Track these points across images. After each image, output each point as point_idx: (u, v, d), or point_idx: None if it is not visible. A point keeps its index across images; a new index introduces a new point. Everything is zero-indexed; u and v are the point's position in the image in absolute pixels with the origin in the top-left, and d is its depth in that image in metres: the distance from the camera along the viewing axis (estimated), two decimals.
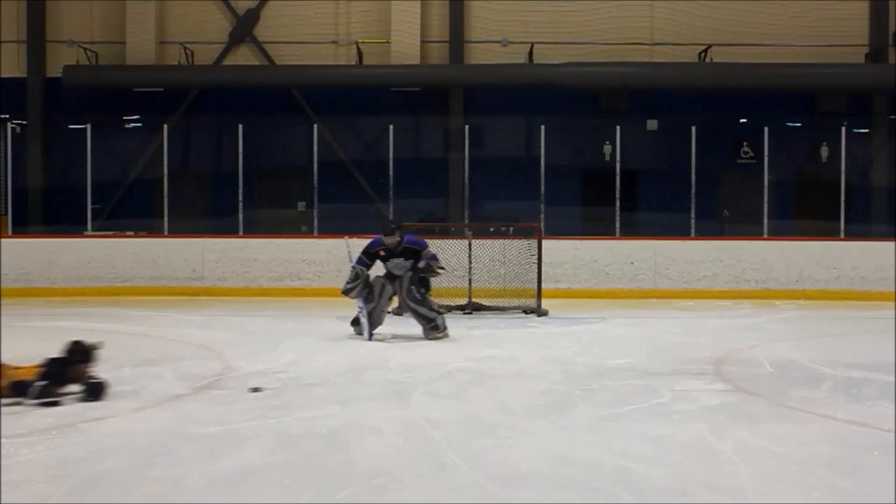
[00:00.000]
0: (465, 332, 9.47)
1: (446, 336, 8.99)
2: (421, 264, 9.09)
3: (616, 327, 10.12)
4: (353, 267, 9.19)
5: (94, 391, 5.95)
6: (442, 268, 9.42)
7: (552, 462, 4.55)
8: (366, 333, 8.87)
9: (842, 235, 14.13)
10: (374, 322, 9.02)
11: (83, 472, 4.38)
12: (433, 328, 8.99)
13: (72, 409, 5.69)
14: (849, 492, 4.20)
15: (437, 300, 10.39)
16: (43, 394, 5.74)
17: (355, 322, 9.19)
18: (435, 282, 11.20)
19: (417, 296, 9.01)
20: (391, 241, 9.05)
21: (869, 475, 4.42)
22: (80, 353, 6.04)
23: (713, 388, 6.57)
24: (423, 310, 9.02)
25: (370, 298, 9.05)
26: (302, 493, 4.07)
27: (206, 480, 4.26)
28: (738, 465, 4.55)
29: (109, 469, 4.46)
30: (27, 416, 5.49)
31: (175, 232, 14.35)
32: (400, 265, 9.12)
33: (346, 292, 9.18)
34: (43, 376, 5.82)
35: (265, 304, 12.32)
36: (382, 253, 9.15)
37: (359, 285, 9.06)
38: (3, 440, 4.85)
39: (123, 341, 8.90)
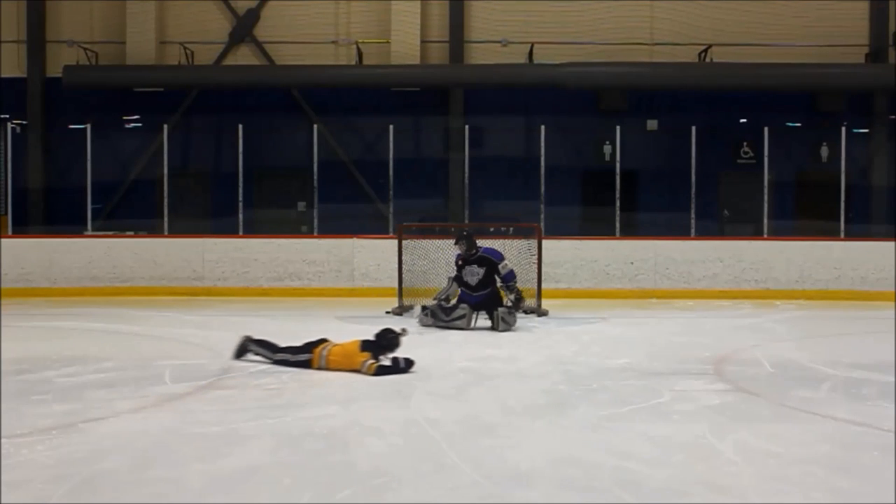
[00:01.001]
0: (465, 331, 9.48)
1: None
2: (508, 296, 9.89)
3: (616, 327, 10.12)
4: (450, 278, 10.14)
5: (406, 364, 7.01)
6: (518, 292, 10.07)
7: (552, 462, 4.55)
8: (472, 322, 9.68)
9: (842, 235, 14.12)
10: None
11: (83, 472, 4.37)
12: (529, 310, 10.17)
13: (72, 409, 5.69)
14: (849, 492, 4.20)
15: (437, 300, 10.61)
16: (407, 364, 6.94)
17: (424, 310, 10.05)
18: (434, 281, 11.30)
19: (508, 324, 9.55)
20: (461, 248, 9.93)
21: (869, 475, 4.42)
22: (388, 340, 7.04)
23: (713, 388, 6.57)
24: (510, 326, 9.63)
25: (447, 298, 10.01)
26: (302, 493, 4.07)
27: (206, 480, 4.25)
28: (738, 465, 4.55)
29: (109, 469, 4.46)
30: (27, 417, 5.49)
31: (175, 232, 14.35)
32: (473, 272, 9.83)
33: (436, 298, 10.07)
34: (377, 353, 6.92)
35: (265, 304, 12.32)
36: (461, 262, 9.97)
37: (447, 291, 9.99)
38: (3, 440, 4.84)
39: (123, 341, 8.92)
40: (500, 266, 9.82)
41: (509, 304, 9.93)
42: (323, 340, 7.20)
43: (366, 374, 6.79)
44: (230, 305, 12.15)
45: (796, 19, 16.41)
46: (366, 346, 6.97)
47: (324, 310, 11.47)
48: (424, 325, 9.72)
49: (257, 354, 7.39)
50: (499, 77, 15.82)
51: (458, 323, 9.62)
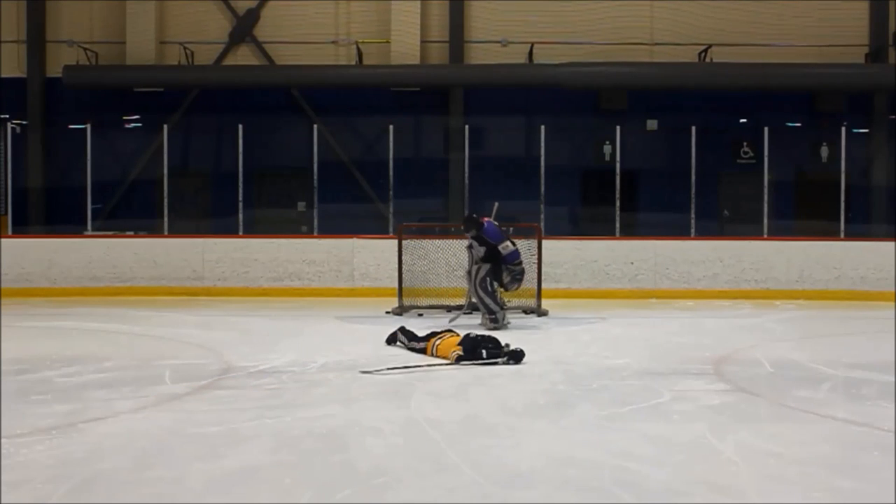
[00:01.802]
0: (464, 331, 9.45)
1: (502, 328, 9.59)
2: (506, 279, 9.81)
3: (616, 327, 10.12)
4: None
5: (516, 357, 7.42)
6: (520, 276, 9.97)
7: (552, 462, 4.55)
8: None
9: (842, 235, 14.11)
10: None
11: (83, 472, 4.38)
12: (493, 320, 9.68)
13: (72, 409, 5.69)
14: (849, 492, 4.20)
15: (435, 300, 10.81)
16: (490, 355, 7.40)
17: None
18: (435, 281, 11.32)
19: (489, 287, 9.73)
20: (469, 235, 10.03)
21: (869, 475, 4.42)
22: (490, 339, 7.68)
23: (713, 388, 6.57)
24: (488, 300, 9.74)
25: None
26: (302, 493, 4.07)
27: (206, 480, 4.26)
28: (738, 465, 4.55)
29: (109, 469, 4.46)
30: (27, 416, 5.49)
31: (175, 232, 14.35)
32: (476, 248, 9.94)
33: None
34: (473, 348, 7.48)
35: (265, 304, 12.32)
36: (469, 236, 10.07)
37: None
38: (3, 440, 4.85)
39: (123, 341, 8.92)
40: (500, 247, 9.73)
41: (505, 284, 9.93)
42: (447, 332, 8.09)
43: (449, 361, 7.44)
44: (230, 305, 12.15)
45: (796, 19, 16.40)
46: (463, 340, 7.67)
47: (324, 310, 11.47)
48: (488, 329, 9.37)
49: (400, 342, 8.30)
50: (499, 77, 15.82)
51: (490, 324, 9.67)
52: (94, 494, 4.07)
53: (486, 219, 9.98)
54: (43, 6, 16.65)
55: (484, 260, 9.84)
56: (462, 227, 10.13)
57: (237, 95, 16.51)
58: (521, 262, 9.86)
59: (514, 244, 9.83)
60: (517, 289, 10.02)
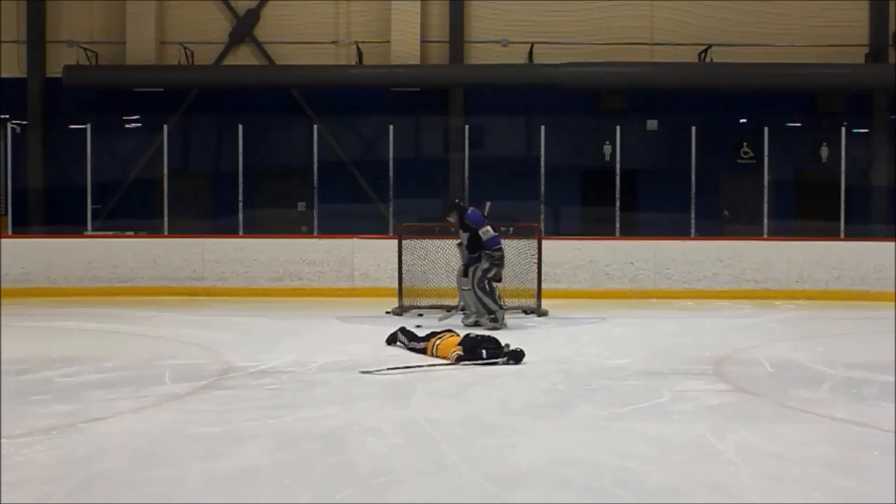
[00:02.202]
0: (464, 331, 9.45)
1: (502, 328, 9.59)
2: (485, 265, 9.75)
3: (616, 327, 10.12)
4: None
5: (516, 357, 7.41)
6: (499, 262, 9.87)
7: (552, 462, 4.55)
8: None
9: (842, 235, 14.11)
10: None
11: (83, 472, 4.37)
12: (493, 320, 9.71)
13: (72, 409, 5.69)
14: (849, 492, 4.20)
15: (435, 300, 10.82)
16: (490, 355, 7.38)
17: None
18: (434, 281, 11.32)
19: (487, 287, 9.76)
20: (451, 220, 10.12)
21: (869, 475, 4.42)
22: (490, 339, 7.67)
23: (713, 388, 6.57)
24: (488, 300, 9.78)
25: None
26: (302, 493, 4.07)
27: (206, 480, 4.25)
28: (738, 465, 4.55)
29: (109, 469, 4.46)
30: (27, 416, 5.49)
31: (175, 232, 14.35)
32: (463, 236, 10.01)
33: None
34: (473, 348, 7.48)
35: (265, 304, 12.32)
36: (450, 219, 10.21)
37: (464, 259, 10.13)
38: (3, 440, 4.84)
39: (123, 341, 8.92)
40: (480, 232, 9.74)
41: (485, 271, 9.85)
42: (447, 332, 8.09)
43: (449, 361, 7.45)
44: (230, 305, 12.15)
45: (796, 19, 16.41)
46: (463, 340, 7.68)
47: (324, 310, 11.47)
48: (488, 329, 9.32)
49: (400, 342, 8.30)
50: (499, 77, 15.82)
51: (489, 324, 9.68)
52: (94, 494, 4.07)
53: (471, 208, 10.08)
54: (43, 6, 16.65)
55: (468, 247, 9.86)
56: (445, 211, 10.21)
57: (237, 95, 16.51)
58: (500, 248, 9.80)
59: (494, 231, 9.84)
60: (498, 273, 9.81)
